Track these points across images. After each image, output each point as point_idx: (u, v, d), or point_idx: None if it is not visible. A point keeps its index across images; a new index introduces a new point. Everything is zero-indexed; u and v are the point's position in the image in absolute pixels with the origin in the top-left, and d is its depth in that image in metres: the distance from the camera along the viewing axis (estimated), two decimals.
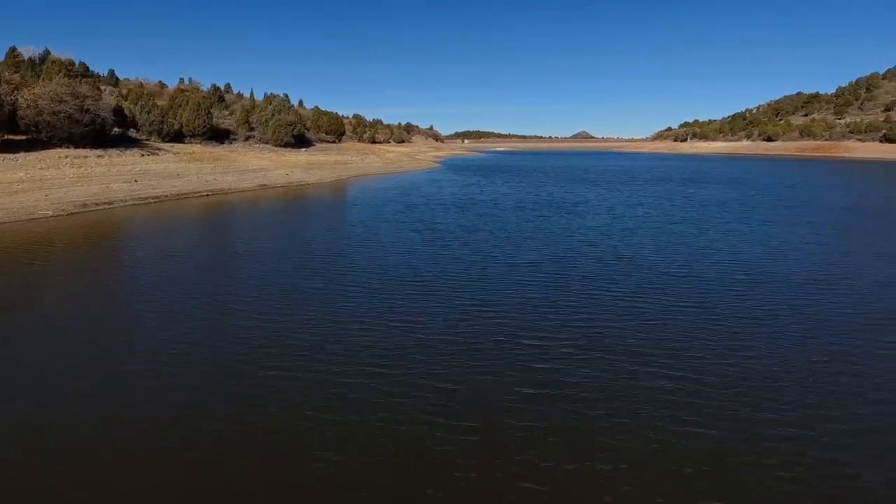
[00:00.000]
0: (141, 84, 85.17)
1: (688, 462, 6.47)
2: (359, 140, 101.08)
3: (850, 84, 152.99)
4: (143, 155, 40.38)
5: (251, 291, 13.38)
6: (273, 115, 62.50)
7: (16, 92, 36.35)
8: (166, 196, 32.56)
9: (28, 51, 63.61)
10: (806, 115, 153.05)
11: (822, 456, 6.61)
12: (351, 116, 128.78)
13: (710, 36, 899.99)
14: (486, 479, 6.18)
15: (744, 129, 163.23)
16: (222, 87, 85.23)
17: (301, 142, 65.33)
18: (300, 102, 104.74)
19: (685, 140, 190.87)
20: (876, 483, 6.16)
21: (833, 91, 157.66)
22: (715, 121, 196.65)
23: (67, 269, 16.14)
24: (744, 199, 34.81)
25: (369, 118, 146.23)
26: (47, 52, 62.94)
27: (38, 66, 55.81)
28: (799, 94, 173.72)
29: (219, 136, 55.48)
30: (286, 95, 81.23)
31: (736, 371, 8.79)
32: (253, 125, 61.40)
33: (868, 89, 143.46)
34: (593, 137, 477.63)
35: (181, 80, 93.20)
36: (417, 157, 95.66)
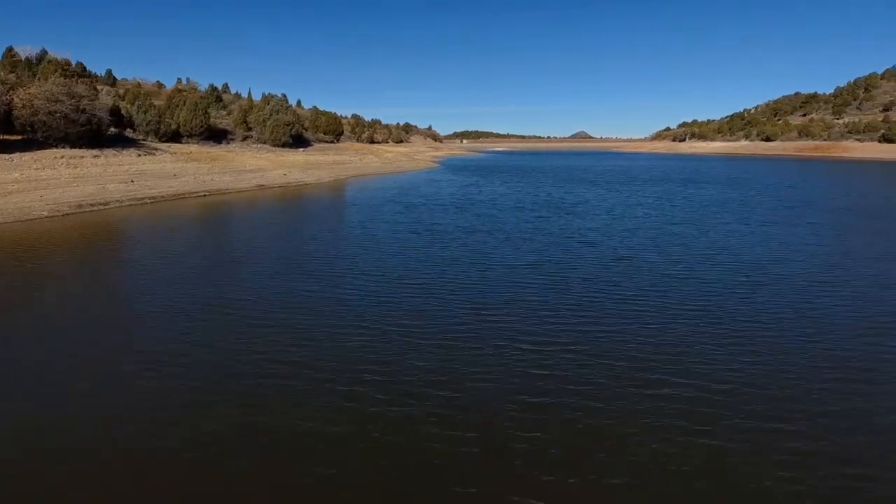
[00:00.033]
0: (138, 84, 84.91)
1: (695, 475, 6.30)
2: (357, 140, 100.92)
3: (849, 84, 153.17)
4: (139, 155, 40.16)
5: (248, 293, 13.19)
6: (271, 115, 62.31)
7: (11, 92, 36.13)
8: (163, 196, 32.35)
9: (25, 51, 63.31)
10: (804, 115, 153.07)
11: (831, 467, 6.44)
12: (349, 116, 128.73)
13: (709, 36, 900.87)
14: (485, 493, 6.01)
15: (742, 130, 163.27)
16: (220, 87, 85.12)
17: (299, 142, 65.13)
18: (298, 102, 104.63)
19: (684, 140, 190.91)
20: (888, 495, 6.01)
21: (831, 91, 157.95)
22: (713, 121, 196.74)
23: (61, 270, 15.95)
24: (743, 199, 34.68)
25: (368, 118, 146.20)
26: (44, 52, 62.58)
27: (35, 66, 55.53)
28: (797, 94, 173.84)
29: (216, 136, 55.26)
30: (284, 95, 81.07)
31: (741, 377, 8.60)
32: (251, 125, 61.21)
33: (866, 89, 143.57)
34: (592, 137, 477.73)
35: (179, 80, 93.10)
36: (416, 157, 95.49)
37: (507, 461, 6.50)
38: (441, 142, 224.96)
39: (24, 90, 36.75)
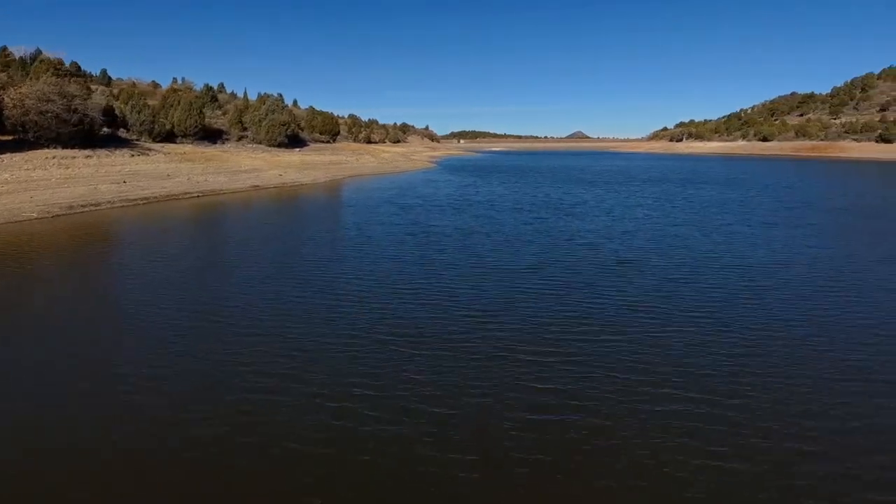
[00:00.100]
0: (133, 84, 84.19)
1: (705, 496, 5.91)
2: (354, 140, 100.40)
3: (846, 84, 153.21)
4: (132, 155, 39.64)
5: (236, 300, 12.78)
6: (267, 114, 61.79)
7: (2, 91, 35.59)
8: (155, 197, 31.87)
9: (19, 50, 62.81)
10: (801, 115, 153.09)
11: (846, 483, 6.07)
12: (346, 116, 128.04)
13: (705, 37, 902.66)
14: None
15: (739, 129, 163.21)
16: (215, 87, 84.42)
17: (295, 142, 64.63)
18: (294, 102, 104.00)
19: (681, 140, 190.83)
20: None
21: (828, 91, 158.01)
22: (710, 121, 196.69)
23: (47, 273, 15.53)
24: (743, 200, 34.35)
25: (365, 118, 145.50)
26: (39, 52, 62.05)
27: (29, 65, 54.96)
28: (793, 94, 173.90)
29: (211, 136, 54.75)
30: (280, 95, 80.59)
31: (753, 390, 8.20)
32: (246, 125, 60.68)
33: (863, 89, 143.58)
34: (589, 137, 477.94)
35: (174, 80, 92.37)
36: (413, 157, 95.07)
37: (506, 484, 6.11)
38: (438, 142, 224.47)
39: (15, 90, 36.20)
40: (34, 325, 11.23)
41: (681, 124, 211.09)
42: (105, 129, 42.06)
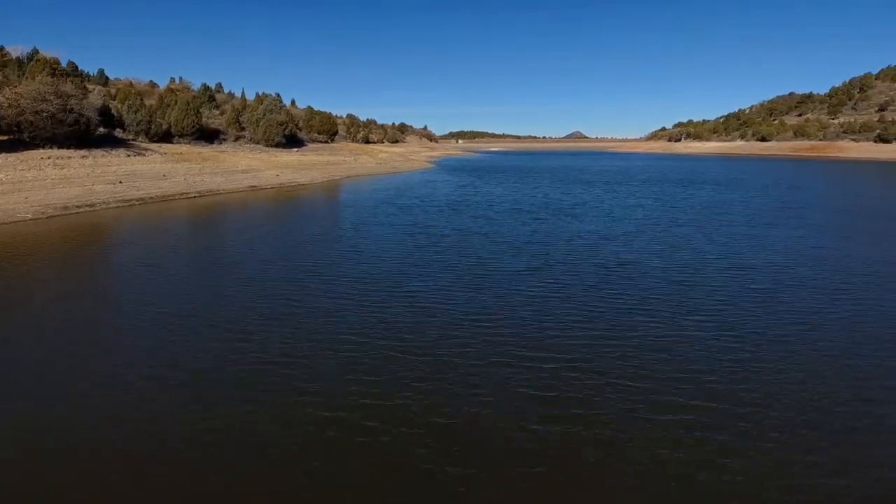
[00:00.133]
0: (130, 83, 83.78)
1: None
2: (352, 140, 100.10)
3: (844, 84, 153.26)
4: (129, 155, 39.35)
5: (235, 301, 12.52)
6: (264, 114, 61.49)
7: None
8: (151, 198, 31.59)
9: (16, 50, 62.33)
10: (800, 115, 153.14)
11: (861, 497, 5.85)
12: (345, 116, 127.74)
13: (704, 37, 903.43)
14: None
15: (738, 129, 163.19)
16: (213, 87, 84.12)
17: (293, 142, 64.34)
18: (293, 102, 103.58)
19: (679, 140, 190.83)
20: None
21: (826, 91, 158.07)
22: (709, 121, 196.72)
23: (42, 273, 15.23)
24: (744, 200, 34.15)
25: (363, 118, 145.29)
26: (36, 52, 61.66)
27: (26, 65, 54.60)
28: (791, 94, 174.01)
29: (208, 136, 54.46)
30: (278, 95, 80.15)
31: (765, 401, 7.96)
32: (243, 125, 60.38)
33: (861, 89, 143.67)
34: (587, 137, 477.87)
35: (172, 80, 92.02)
36: (411, 157, 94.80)
37: (507, 495, 5.88)
38: (437, 142, 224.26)
39: (10, 89, 35.90)
40: (30, 326, 11.13)
41: (679, 124, 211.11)
42: (101, 129, 41.75)
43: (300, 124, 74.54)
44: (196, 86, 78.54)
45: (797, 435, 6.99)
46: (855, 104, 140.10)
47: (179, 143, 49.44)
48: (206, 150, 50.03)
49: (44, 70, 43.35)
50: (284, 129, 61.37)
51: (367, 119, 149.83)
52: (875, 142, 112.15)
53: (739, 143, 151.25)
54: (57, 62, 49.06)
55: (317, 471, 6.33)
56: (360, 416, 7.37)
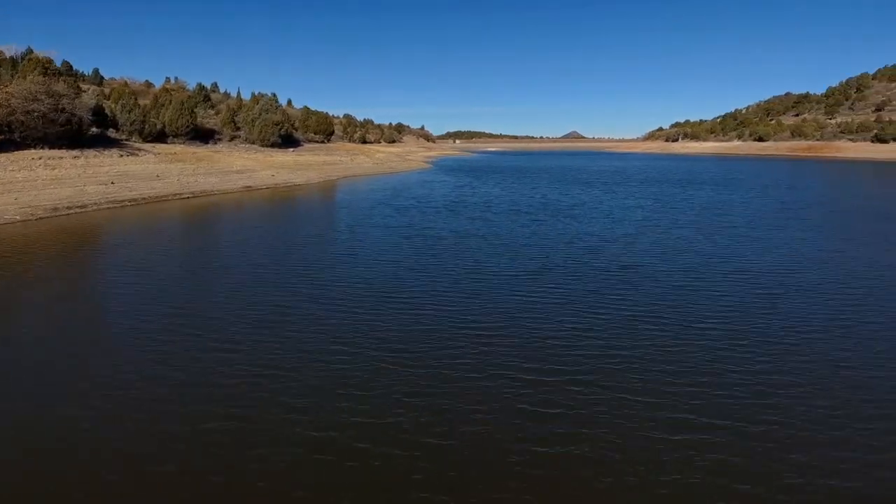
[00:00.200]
0: (125, 83, 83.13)
1: None
2: (349, 140, 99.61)
3: (841, 84, 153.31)
4: (121, 156, 38.81)
5: (217, 309, 12.06)
6: (260, 114, 60.96)
7: None
8: (144, 199, 31.09)
9: (10, 49, 61.76)
10: (797, 115, 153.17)
11: None
12: (341, 116, 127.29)
13: (701, 37, 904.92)
14: None
15: (735, 130, 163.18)
16: (209, 87, 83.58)
17: (289, 142, 63.84)
18: (289, 102, 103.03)
19: (676, 140, 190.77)
20: None
21: (823, 91, 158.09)
22: (706, 121, 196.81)
23: (30, 276, 14.76)
24: (744, 201, 33.80)
25: (360, 118, 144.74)
26: (30, 51, 61.06)
27: (20, 64, 54.01)
28: (788, 94, 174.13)
29: (203, 136, 53.89)
30: (274, 94, 79.58)
31: (778, 416, 7.53)
32: (239, 125, 59.84)
33: (858, 89, 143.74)
34: (584, 137, 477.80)
35: (167, 80, 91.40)
36: (408, 157, 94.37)
37: None
38: (434, 142, 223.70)
39: (1, 89, 35.36)
40: (24, 327, 11.01)
41: (676, 124, 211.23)
42: (94, 129, 41.20)
43: (296, 124, 74.04)
44: (192, 86, 78.04)
45: (822, 465, 6.58)
46: (852, 104, 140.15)
47: (174, 143, 48.88)
48: (201, 150, 49.49)
49: (35, 69, 42.81)
50: (280, 129, 60.86)
51: (364, 119, 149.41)
52: (872, 142, 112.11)
53: (737, 143, 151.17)
54: (49, 61, 48.44)
55: (314, 483, 6.16)
56: (350, 437, 6.91)
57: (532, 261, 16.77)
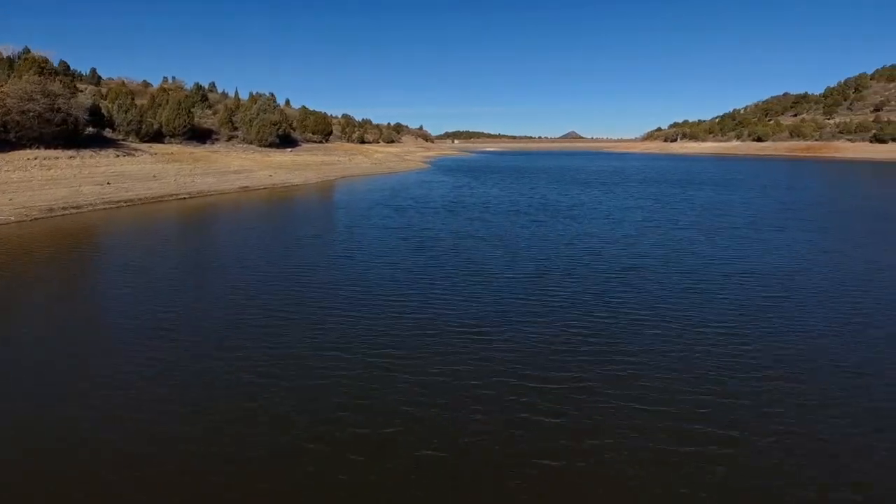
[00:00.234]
0: (123, 83, 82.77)
1: None
2: (347, 140, 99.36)
3: (839, 84, 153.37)
4: (118, 156, 38.55)
5: (209, 314, 11.84)
6: (258, 114, 60.68)
7: None
8: (140, 199, 30.82)
9: (6, 49, 61.35)
10: (795, 115, 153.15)
11: None
12: (340, 116, 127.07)
13: (699, 37, 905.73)
14: None
15: (733, 130, 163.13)
16: (206, 86, 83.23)
17: (287, 142, 63.58)
18: (287, 102, 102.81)
19: (675, 140, 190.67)
20: None
21: (821, 92, 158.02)
22: (704, 121, 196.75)
23: (24, 277, 14.52)
24: (745, 201, 33.62)
25: (359, 118, 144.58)
26: (27, 51, 60.71)
27: (16, 64, 53.69)
28: (786, 94, 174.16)
29: (200, 136, 53.63)
30: (272, 94, 79.32)
31: (782, 426, 7.32)
32: (236, 125, 59.56)
33: (857, 89, 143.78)
34: (582, 138, 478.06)
35: (165, 79, 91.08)
36: (406, 157, 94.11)
37: None
38: (432, 142, 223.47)
39: None
40: (24, 327, 11.00)
41: (675, 125, 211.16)
42: (90, 129, 40.93)
43: (294, 124, 73.77)
44: (189, 85, 77.75)
45: (835, 480, 6.38)
46: (850, 104, 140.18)
47: (171, 143, 48.61)
48: (198, 150, 49.23)
49: (31, 69, 42.52)
50: (278, 129, 60.59)
51: (363, 119, 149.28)
52: (871, 142, 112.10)
53: (735, 143, 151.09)
54: (45, 61, 48.13)
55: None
56: (343, 449, 6.68)
57: (532, 262, 16.55)
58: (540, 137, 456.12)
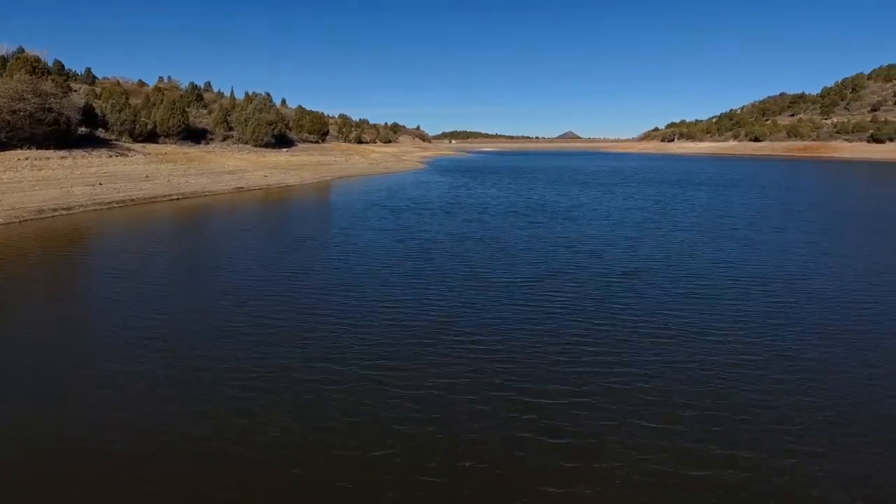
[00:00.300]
0: (118, 82, 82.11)
1: None
2: (344, 140, 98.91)
3: (836, 84, 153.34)
4: (110, 156, 38.01)
5: (204, 320, 11.41)
6: (253, 114, 60.18)
7: None
8: (132, 200, 30.35)
9: (0, 48, 60.80)
10: (792, 115, 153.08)
11: None
12: (337, 116, 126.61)
13: (697, 37, 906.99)
14: None
15: (731, 130, 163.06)
16: (202, 86, 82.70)
17: (283, 142, 63.06)
18: (283, 101, 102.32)
19: (672, 140, 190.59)
20: None
21: (818, 91, 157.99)
22: (701, 121, 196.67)
23: (20, 278, 14.12)
24: (745, 202, 33.29)
25: (356, 118, 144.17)
26: (21, 50, 60.12)
27: (8, 63, 53.11)
28: (783, 94, 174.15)
29: (195, 136, 53.11)
30: (268, 94, 78.87)
31: (793, 446, 6.94)
32: (232, 125, 59.04)
33: (854, 89, 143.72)
34: (580, 138, 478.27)
35: (160, 79, 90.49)
36: (404, 157, 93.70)
37: None
38: (429, 142, 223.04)
39: None
40: (23, 327, 10.91)
41: (672, 125, 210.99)
42: (83, 129, 40.40)
43: (290, 124, 73.24)
44: (184, 85, 77.19)
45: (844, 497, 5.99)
46: (847, 104, 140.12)
47: (165, 143, 48.08)
48: (193, 150, 48.71)
49: (23, 68, 41.97)
50: (274, 129, 60.09)
51: (360, 119, 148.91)
52: (868, 142, 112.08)
53: (733, 143, 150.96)
54: (37, 60, 47.52)
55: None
56: (332, 475, 6.25)
57: (530, 266, 16.16)
58: (537, 137, 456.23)
